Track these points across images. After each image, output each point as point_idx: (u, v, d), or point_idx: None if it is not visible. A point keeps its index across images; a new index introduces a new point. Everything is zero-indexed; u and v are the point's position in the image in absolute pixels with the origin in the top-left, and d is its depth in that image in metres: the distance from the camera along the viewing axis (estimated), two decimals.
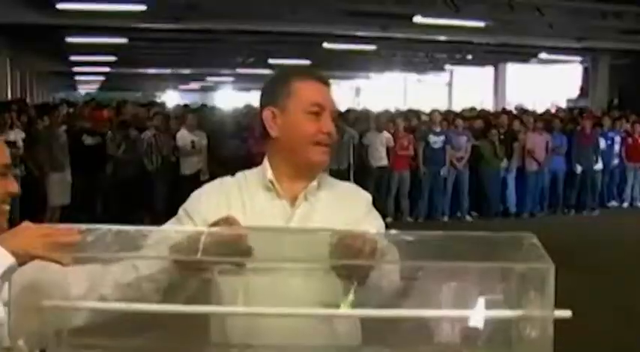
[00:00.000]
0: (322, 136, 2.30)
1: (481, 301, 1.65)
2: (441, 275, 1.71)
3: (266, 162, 2.34)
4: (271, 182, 2.30)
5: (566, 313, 1.62)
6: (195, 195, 2.35)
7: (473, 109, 19.35)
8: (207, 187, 2.39)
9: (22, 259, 1.65)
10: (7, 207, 1.98)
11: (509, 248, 1.65)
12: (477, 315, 1.65)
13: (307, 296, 2.01)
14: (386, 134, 13.39)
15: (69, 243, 1.67)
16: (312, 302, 2.01)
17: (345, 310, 1.90)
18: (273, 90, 2.34)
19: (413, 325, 1.70)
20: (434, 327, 1.68)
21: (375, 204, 9.27)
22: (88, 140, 11.93)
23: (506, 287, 1.66)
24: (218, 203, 2.24)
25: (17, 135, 11.41)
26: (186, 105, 20.76)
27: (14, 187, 1.98)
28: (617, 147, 15.59)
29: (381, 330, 1.75)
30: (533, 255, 1.62)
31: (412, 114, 16.44)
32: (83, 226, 1.81)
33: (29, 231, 1.66)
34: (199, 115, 14.37)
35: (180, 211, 2.31)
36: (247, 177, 2.37)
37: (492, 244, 1.67)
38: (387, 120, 14.17)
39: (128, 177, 12.22)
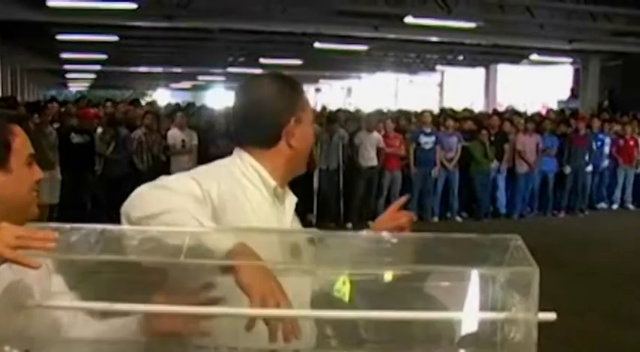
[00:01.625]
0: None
1: (465, 303, 1.65)
2: (425, 277, 1.71)
3: (255, 162, 2.32)
4: (275, 188, 2.32)
5: (550, 316, 1.62)
6: (209, 174, 2.25)
7: (466, 110, 19.38)
8: (216, 171, 2.29)
9: None
10: (36, 194, 2.10)
11: (494, 250, 1.64)
12: (461, 317, 1.64)
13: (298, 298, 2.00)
14: (376, 134, 13.36)
15: (43, 248, 1.63)
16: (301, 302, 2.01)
17: (328, 311, 1.90)
18: (293, 101, 2.35)
19: (393, 327, 1.69)
20: (418, 330, 1.67)
21: (365, 203, 9.38)
22: (76, 138, 11.86)
23: (491, 290, 1.66)
24: (232, 193, 2.20)
25: None
26: (177, 105, 20.73)
27: (39, 175, 2.10)
28: (606, 149, 15.62)
29: (362, 332, 1.74)
30: (518, 258, 1.62)
31: (402, 114, 16.43)
32: (67, 226, 1.79)
33: (2, 233, 1.62)
34: (189, 114, 14.36)
35: (191, 182, 2.14)
36: (234, 175, 2.30)
37: (477, 246, 1.66)
38: (378, 120, 14.17)
39: (117, 176, 12.16)
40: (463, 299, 1.64)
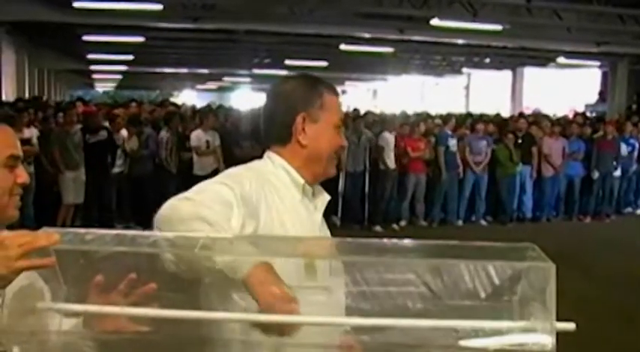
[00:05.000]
0: (340, 149, 2.44)
1: (481, 312, 1.61)
2: (438, 284, 1.67)
3: (284, 162, 2.33)
4: (304, 186, 2.33)
5: (569, 326, 1.57)
6: (237, 176, 2.23)
7: (485, 115, 19.29)
8: (244, 172, 2.27)
9: (6, 281, 1.59)
10: (17, 197, 1.99)
11: (508, 257, 1.60)
12: (477, 326, 1.61)
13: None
14: (391, 136, 13.22)
15: (49, 245, 1.59)
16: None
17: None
18: (306, 97, 2.35)
19: (406, 336, 1.66)
20: (430, 338, 1.64)
21: (388, 206, 9.30)
22: (92, 139, 11.86)
23: (507, 299, 1.62)
24: (263, 193, 2.20)
25: (32, 133, 11.43)
26: (208, 106, 20.80)
27: (23, 177, 1.99)
28: (636, 153, 15.48)
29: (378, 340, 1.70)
30: (533, 267, 1.57)
31: (425, 116, 16.34)
32: (82, 230, 1.77)
33: (4, 245, 1.56)
34: (215, 115, 14.37)
35: (222, 187, 2.11)
36: (264, 175, 2.30)
37: (490, 254, 1.62)
38: (402, 122, 14.12)
39: (142, 175, 12.19)
40: (479, 307, 1.61)
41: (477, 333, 1.60)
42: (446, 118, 14.82)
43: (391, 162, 13.06)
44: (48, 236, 1.61)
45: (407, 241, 1.70)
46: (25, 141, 10.48)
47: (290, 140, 2.33)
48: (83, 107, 14.78)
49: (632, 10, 16.75)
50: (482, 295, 1.65)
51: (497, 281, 1.60)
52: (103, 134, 11.97)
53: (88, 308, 1.78)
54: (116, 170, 12.21)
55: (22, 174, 1.99)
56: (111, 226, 11.34)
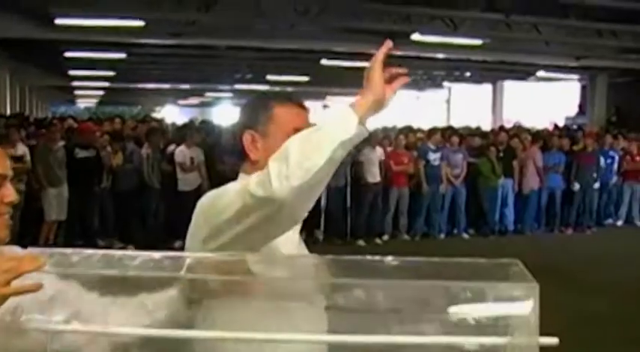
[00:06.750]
0: None
1: (464, 327, 1.63)
2: (421, 300, 1.68)
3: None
4: None
5: (553, 340, 1.60)
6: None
7: (466, 128, 19.37)
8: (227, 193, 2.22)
9: None
10: (7, 217, 1.94)
11: (492, 274, 1.62)
12: (462, 342, 1.63)
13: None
14: (379, 149, 13.34)
15: (35, 269, 1.57)
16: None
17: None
18: (254, 114, 2.37)
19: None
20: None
21: (371, 220, 9.31)
22: (80, 154, 11.80)
23: (492, 316, 1.64)
24: None
25: (25, 150, 11.34)
26: (192, 122, 20.76)
27: (10, 197, 1.93)
28: (616, 166, 15.59)
29: None
30: (517, 283, 1.60)
31: (407, 130, 16.40)
32: (68, 250, 1.78)
33: None
34: (198, 132, 14.35)
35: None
36: None
37: (475, 271, 1.64)
38: (384, 136, 14.19)
39: (126, 190, 12.13)
40: (462, 322, 1.63)
41: (461, 349, 1.62)
42: (430, 132, 14.85)
43: (372, 177, 13.11)
44: (33, 260, 1.59)
45: (390, 259, 1.71)
46: (18, 158, 10.43)
47: (245, 158, 2.34)
48: (80, 123, 14.72)
49: (610, 24, 16.89)
50: (467, 313, 1.66)
51: (481, 299, 1.62)
52: (92, 151, 11.90)
53: (76, 327, 1.79)
54: (102, 185, 12.16)
55: (9, 193, 1.93)
56: (94, 242, 11.31)
